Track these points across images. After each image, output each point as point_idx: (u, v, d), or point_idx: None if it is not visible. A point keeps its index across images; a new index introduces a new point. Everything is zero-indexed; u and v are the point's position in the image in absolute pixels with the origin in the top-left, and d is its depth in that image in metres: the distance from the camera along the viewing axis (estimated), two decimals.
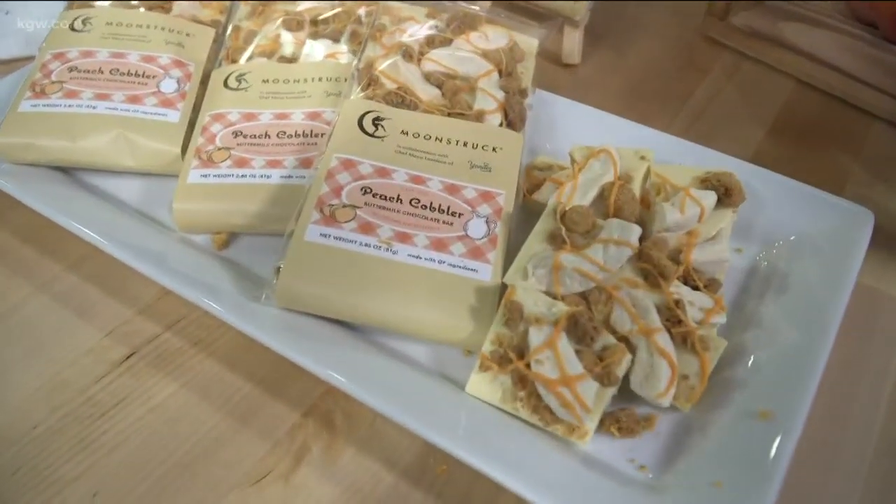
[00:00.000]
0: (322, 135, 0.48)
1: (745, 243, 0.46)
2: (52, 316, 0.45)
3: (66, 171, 0.50)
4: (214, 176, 0.46)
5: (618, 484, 0.35)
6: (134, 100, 0.49)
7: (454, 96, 0.48)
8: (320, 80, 0.51)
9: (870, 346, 0.44)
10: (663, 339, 0.37)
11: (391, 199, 0.42)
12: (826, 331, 0.39)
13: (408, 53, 0.50)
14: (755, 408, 0.36)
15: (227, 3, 0.58)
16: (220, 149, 0.47)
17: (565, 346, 0.35)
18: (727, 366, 0.39)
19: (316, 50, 0.54)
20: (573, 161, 0.45)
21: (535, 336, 0.35)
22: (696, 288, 0.40)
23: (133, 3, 0.56)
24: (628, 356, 0.36)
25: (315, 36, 0.55)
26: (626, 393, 0.37)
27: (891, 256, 0.49)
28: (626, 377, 0.37)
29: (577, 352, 0.35)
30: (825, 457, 0.39)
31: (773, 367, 0.38)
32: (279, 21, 0.55)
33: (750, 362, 0.39)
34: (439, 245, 0.41)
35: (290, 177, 0.46)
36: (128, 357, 0.43)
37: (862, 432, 0.40)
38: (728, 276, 0.42)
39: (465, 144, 0.45)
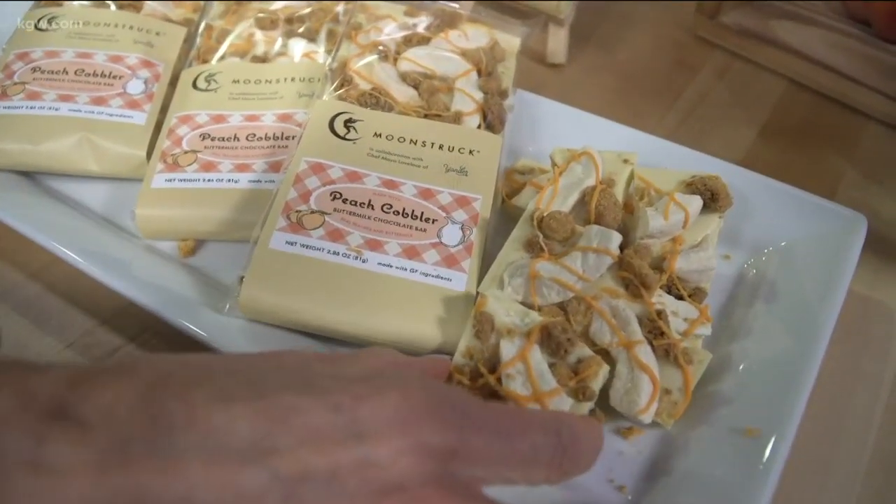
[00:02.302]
0: (293, 137, 0.46)
1: (732, 250, 0.44)
2: (11, 326, 0.43)
3: (29, 175, 0.48)
4: (180, 180, 0.44)
5: None
6: (99, 101, 0.48)
7: (431, 97, 0.46)
8: (293, 80, 0.49)
9: (863, 357, 0.42)
10: (644, 352, 0.35)
11: (362, 204, 0.40)
12: (817, 341, 0.37)
13: (384, 52, 0.48)
14: (741, 424, 0.34)
15: (201, 2, 0.56)
16: (186, 152, 0.45)
17: (538, 359, 0.33)
18: (712, 379, 0.37)
19: (291, 49, 0.52)
20: (554, 164, 0.43)
21: (507, 349, 0.33)
22: (680, 297, 0.38)
23: (104, 1, 0.54)
24: (605, 368, 0.34)
25: (290, 35, 0.53)
26: (605, 409, 0.35)
27: (884, 263, 0.47)
28: (606, 391, 0.35)
29: (551, 365, 0.33)
30: (815, 473, 0.37)
31: (760, 381, 0.37)
32: (253, 20, 0.53)
33: (737, 376, 0.37)
34: (412, 253, 0.39)
35: (259, 181, 0.44)
36: None
37: (855, 447, 0.39)
38: (714, 284, 0.41)
39: (440, 147, 0.43)
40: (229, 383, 0.24)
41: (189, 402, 0.22)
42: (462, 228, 0.40)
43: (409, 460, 0.23)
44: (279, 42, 0.52)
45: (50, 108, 0.47)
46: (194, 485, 0.21)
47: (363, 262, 0.38)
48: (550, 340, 0.33)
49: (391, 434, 0.23)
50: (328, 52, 0.52)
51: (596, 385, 0.33)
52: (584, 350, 0.34)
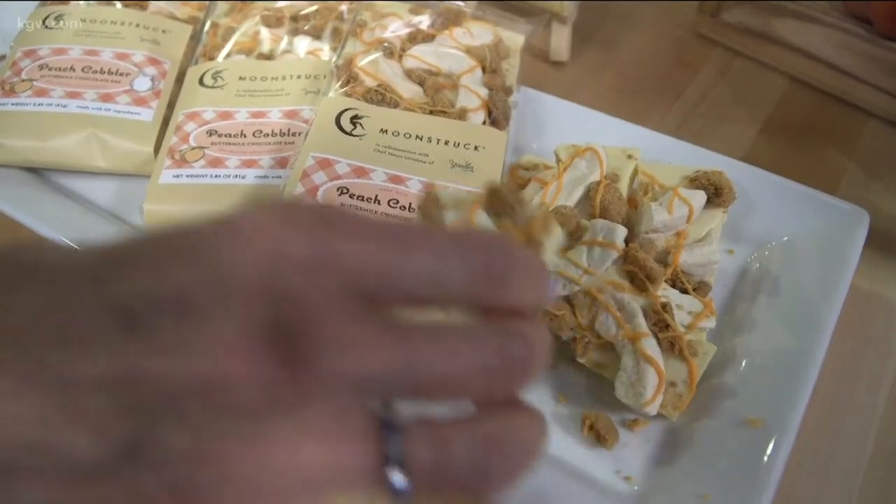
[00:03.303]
0: (300, 133, 0.46)
1: (736, 244, 0.45)
2: None
3: (37, 171, 0.49)
4: (187, 176, 0.44)
5: (601, 495, 0.33)
6: (106, 98, 0.48)
7: (436, 94, 0.47)
8: (299, 77, 0.49)
9: (865, 351, 0.43)
10: (650, 345, 0.35)
11: (368, 199, 0.41)
12: (819, 335, 0.38)
13: (389, 50, 0.49)
14: (745, 416, 0.35)
15: (206, 0, 0.57)
16: (193, 148, 0.45)
17: (483, 219, 0.26)
18: (717, 372, 0.37)
19: (296, 47, 0.53)
20: (558, 160, 0.43)
21: (450, 217, 0.26)
22: (684, 291, 0.39)
23: None
24: (556, 226, 0.26)
25: (295, 33, 0.53)
26: (612, 401, 0.36)
27: (886, 258, 0.47)
28: (612, 385, 0.35)
29: (498, 226, 0.26)
30: (818, 467, 0.38)
31: (764, 374, 0.37)
32: (258, 18, 0.54)
33: (740, 368, 0.38)
34: None
35: (265, 177, 0.44)
36: None
37: (856, 441, 0.39)
38: (718, 278, 0.41)
39: (446, 143, 0.44)
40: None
41: None
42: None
43: (271, 274, 0.18)
44: (284, 40, 0.53)
45: (58, 105, 0.47)
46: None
47: None
48: (495, 198, 0.26)
49: (244, 243, 0.18)
50: (333, 49, 0.52)
51: (546, 238, 0.25)
52: (532, 209, 0.26)
